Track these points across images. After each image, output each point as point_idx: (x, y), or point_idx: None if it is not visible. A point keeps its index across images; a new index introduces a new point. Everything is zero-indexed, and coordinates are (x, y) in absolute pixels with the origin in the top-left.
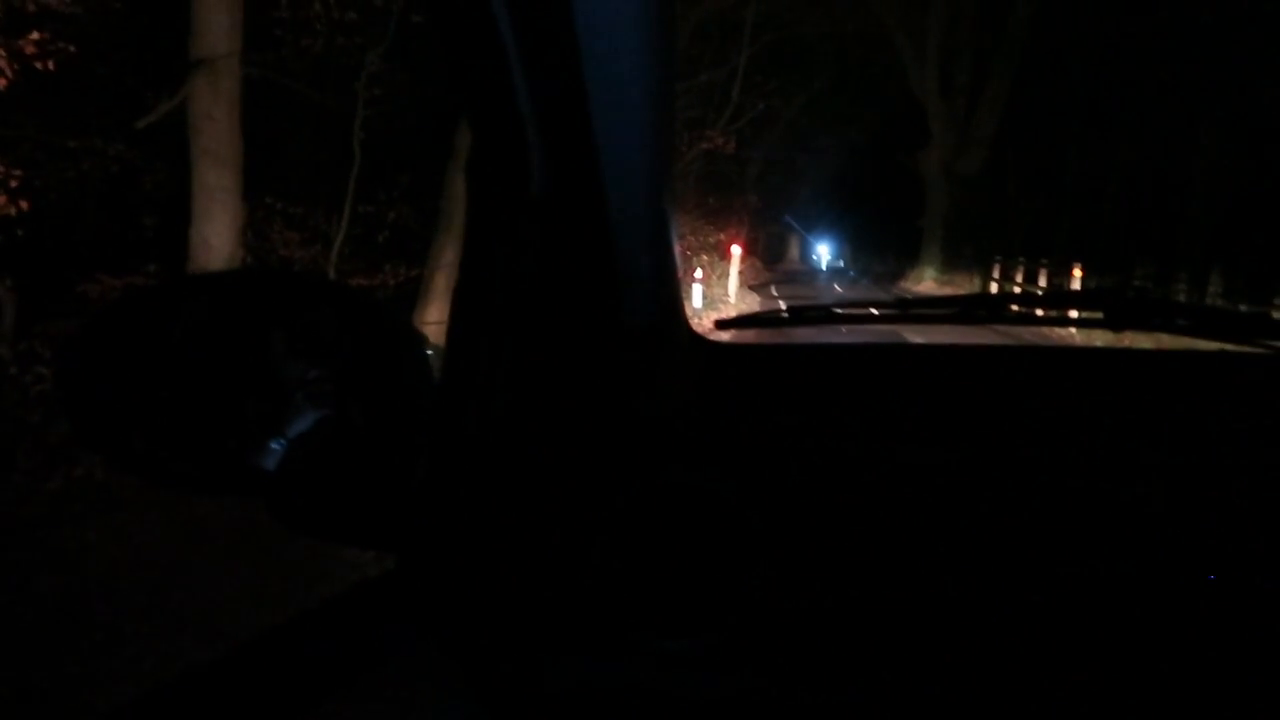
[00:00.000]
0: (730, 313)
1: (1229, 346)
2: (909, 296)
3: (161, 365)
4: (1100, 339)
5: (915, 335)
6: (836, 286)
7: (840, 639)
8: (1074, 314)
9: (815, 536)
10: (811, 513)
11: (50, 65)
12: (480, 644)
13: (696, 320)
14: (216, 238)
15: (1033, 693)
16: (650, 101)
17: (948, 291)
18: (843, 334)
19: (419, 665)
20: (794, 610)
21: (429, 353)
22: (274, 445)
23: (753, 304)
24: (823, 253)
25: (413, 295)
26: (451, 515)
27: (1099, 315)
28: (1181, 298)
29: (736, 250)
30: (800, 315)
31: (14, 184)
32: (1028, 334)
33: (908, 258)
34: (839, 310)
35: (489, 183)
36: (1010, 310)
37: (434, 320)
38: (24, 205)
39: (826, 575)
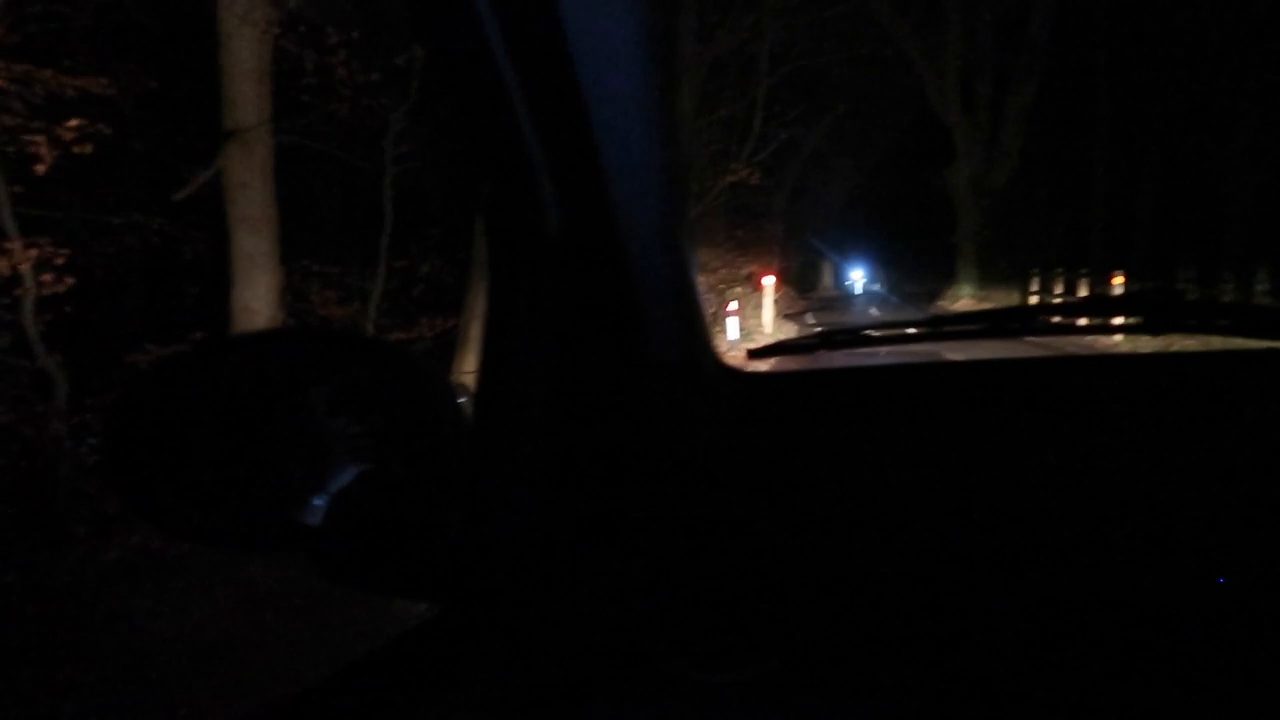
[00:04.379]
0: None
1: (1274, 344)
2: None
3: (202, 426)
4: (1142, 345)
5: (952, 353)
6: (873, 310)
7: (882, 668)
8: (1114, 321)
9: (855, 563)
10: (851, 538)
11: (89, 149)
12: (523, 690)
13: (733, 353)
14: (257, 301)
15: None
16: (657, 138)
17: (985, 307)
18: (880, 356)
19: (462, 713)
20: (835, 640)
21: (462, 401)
22: (316, 501)
23: (789, 333)
24: (856, 277)
25: (450, 345)
26: (490, 561)
27: (1138, 320)
28: (1228, 298)
29: (769, 280)
30: (831, 339)
31: (60, 261)
32: (1067, 344)
33: (943, 276)
34: (870, 332)
35: (505, 229)
36: (1044, 320)
37: (471, 369)
38: (70, 282)
39: (868, 602)
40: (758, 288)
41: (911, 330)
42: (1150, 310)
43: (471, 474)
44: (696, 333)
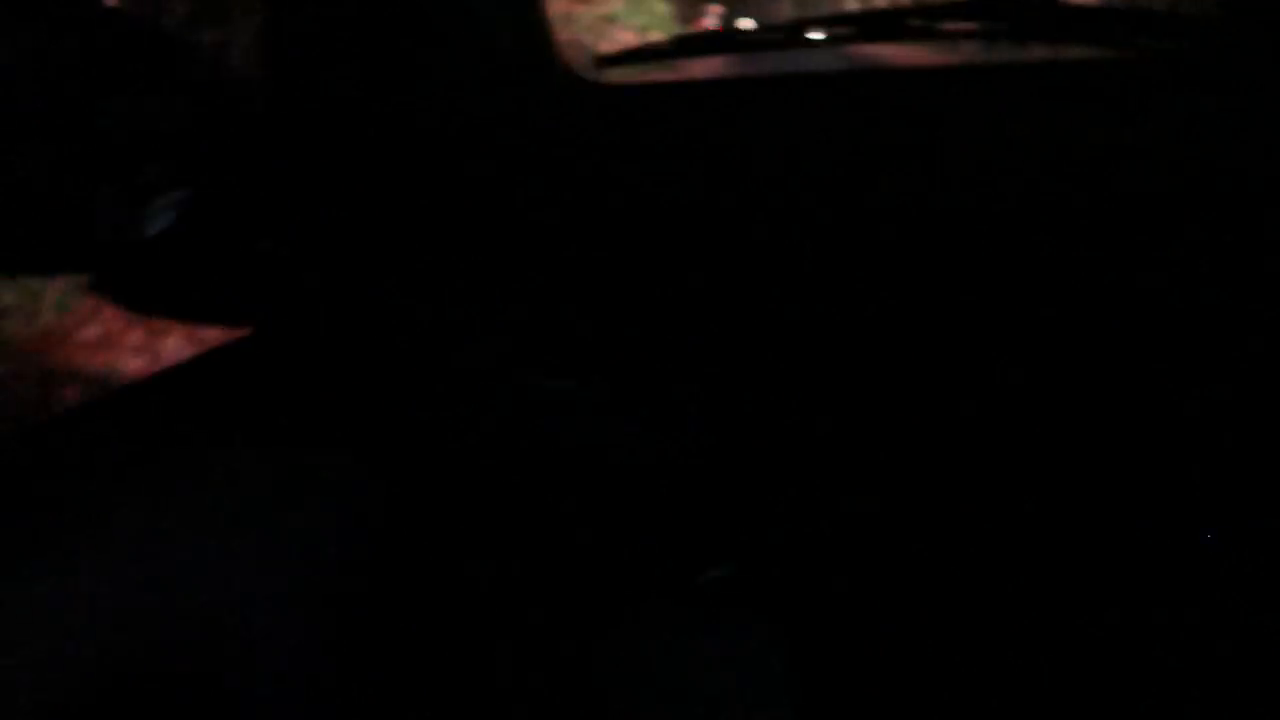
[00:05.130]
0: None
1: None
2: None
3: None
4: (1011, 53)
5: (818, 60)
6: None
7: (714, 373)
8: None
9: (693, 281)
10: (702, 252)
11: None
12: (354, 404)
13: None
14: None
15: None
16: None
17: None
18: (740, 65)
19: (288, 430)
20: (675, 359)
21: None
22: (129, 241)
23: None
24: None
25: None
26: (304, 273)
27: (1002, 26)
28: None
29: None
30: (691, 45)
31: None
32: (934, 50)
33: None
34: (731, 39)
35: None
36: (909, 25)
37: None
38: None
39: (705, 320)
40: None
41: (775, 37)
42: (1018, 17)
43: (279, 188)
44: (535, 27)
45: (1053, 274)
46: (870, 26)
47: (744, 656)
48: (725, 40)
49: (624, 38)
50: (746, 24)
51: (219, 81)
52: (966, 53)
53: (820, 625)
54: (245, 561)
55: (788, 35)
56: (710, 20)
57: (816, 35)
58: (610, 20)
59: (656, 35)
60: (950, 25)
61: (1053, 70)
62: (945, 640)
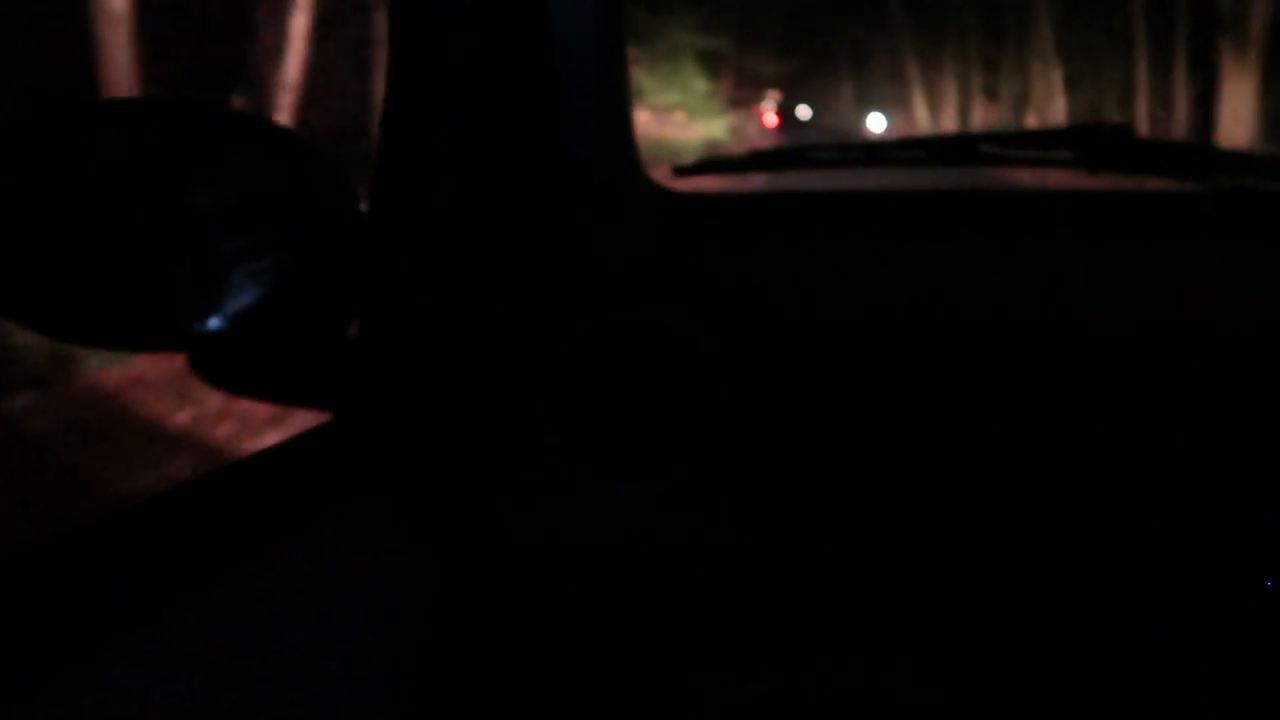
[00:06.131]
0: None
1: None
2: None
3: (61, 209)
4: (1081, 181)
5: (887, 180)
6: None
7: (805, 483)
8: (1054, 155)
9: (778, 378)
10: (774, 355)
11: None
12: (429, 500)
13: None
14: None
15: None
16: None
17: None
18: (813, 180)
19: (360, 524)
20: (755, 454)
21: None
22: (212, 322)
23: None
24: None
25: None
26: (388, 366)
27: (1075, 155)
28: None
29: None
30: (764, 159)
31: None
32: (1004, 176)
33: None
34: (804, 154)
35: None
36: (983, 151)
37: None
38: None
39: (789, 418)
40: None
41: (848, 155)
42: (1091, 146)
43: (369, 276)
44: (623, 139)
45: (1123, 390)
46: (942, 151)
47: None
48: (797, 157)
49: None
50: (804, 111)
51: (309, 165)
52: (1033, 180)
53: None
54: (313, 637)
55: (860, 155)
56: (769, 104)
57: (886, 155)
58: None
59: (680, 114)
60: (1020, 152)
61: (1125, 200)
62: None
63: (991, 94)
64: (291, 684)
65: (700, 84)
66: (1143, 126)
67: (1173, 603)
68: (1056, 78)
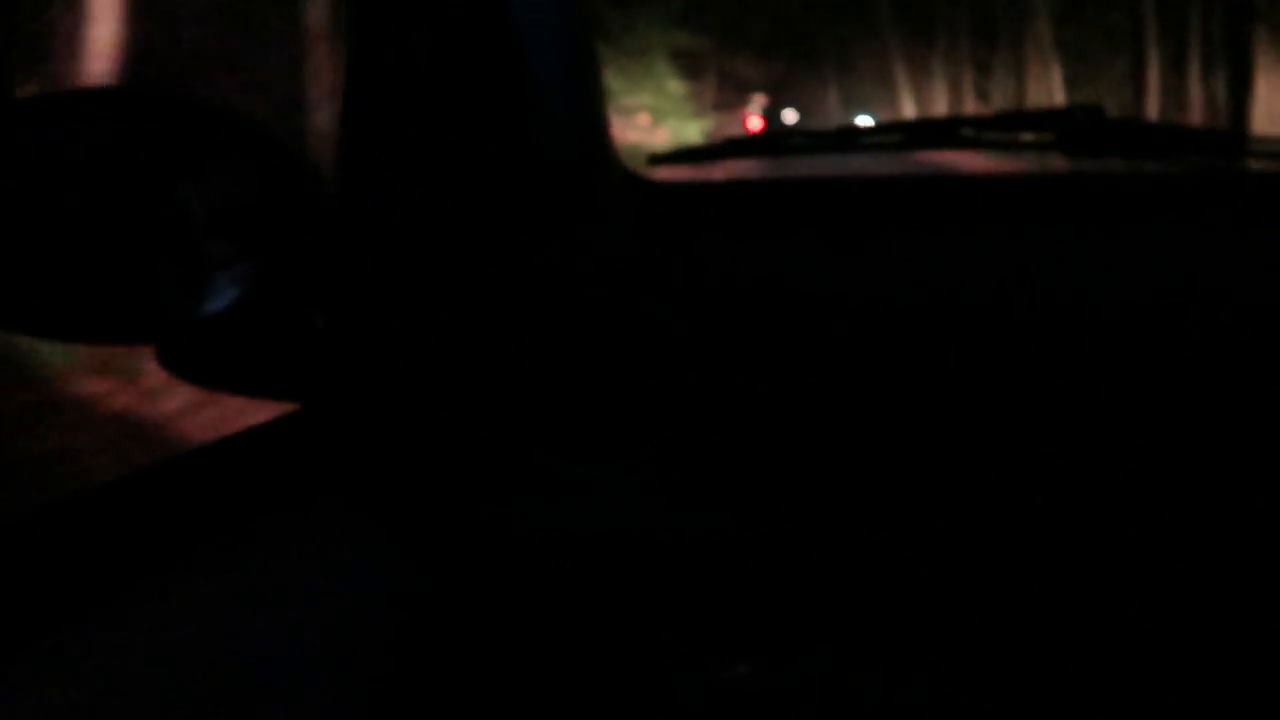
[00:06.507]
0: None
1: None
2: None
3: (42, 195)
4: (1055, 164)
5: (864, 166)
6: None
7: (780, 470)
8: (1030, 138)
9: (755, 363)
10: (752, 341)
11: None
12: (396, 490)
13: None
14: None
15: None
16: None
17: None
18: (791, 167)
19: (328, 515)
20: (729, 440)
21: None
22: (181, 311)
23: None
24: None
25: None
26: (356, 357)
27: (1053, 139)
28: None
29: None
30: (741, 146)
31: None
32: (978, 160)
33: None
34: (781, 141)
35: None
36: (961, 135)
37: None
38: None
39: (767, 405)
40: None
41: (822, 140)
42: (1067, 129)
43: (337, 267)
44: (597, 128)
45: (1099, 376)
46: (920, 135)
47: None
48: (773, 143)
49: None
50: (790, 115)
51: (288, 162)
52: (1014, 163)
53: None
54: (280, 630)
55: (835, 140)
56: (755, 108)
57: (863, 141)
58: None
59: (644, 117)
60: (998, 136)
61: (1100, 182)
62: None
63: (984, 96)
64: (259, 675)
65: (674, 85)
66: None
67: (1161, 598)
68: (1056, 78)
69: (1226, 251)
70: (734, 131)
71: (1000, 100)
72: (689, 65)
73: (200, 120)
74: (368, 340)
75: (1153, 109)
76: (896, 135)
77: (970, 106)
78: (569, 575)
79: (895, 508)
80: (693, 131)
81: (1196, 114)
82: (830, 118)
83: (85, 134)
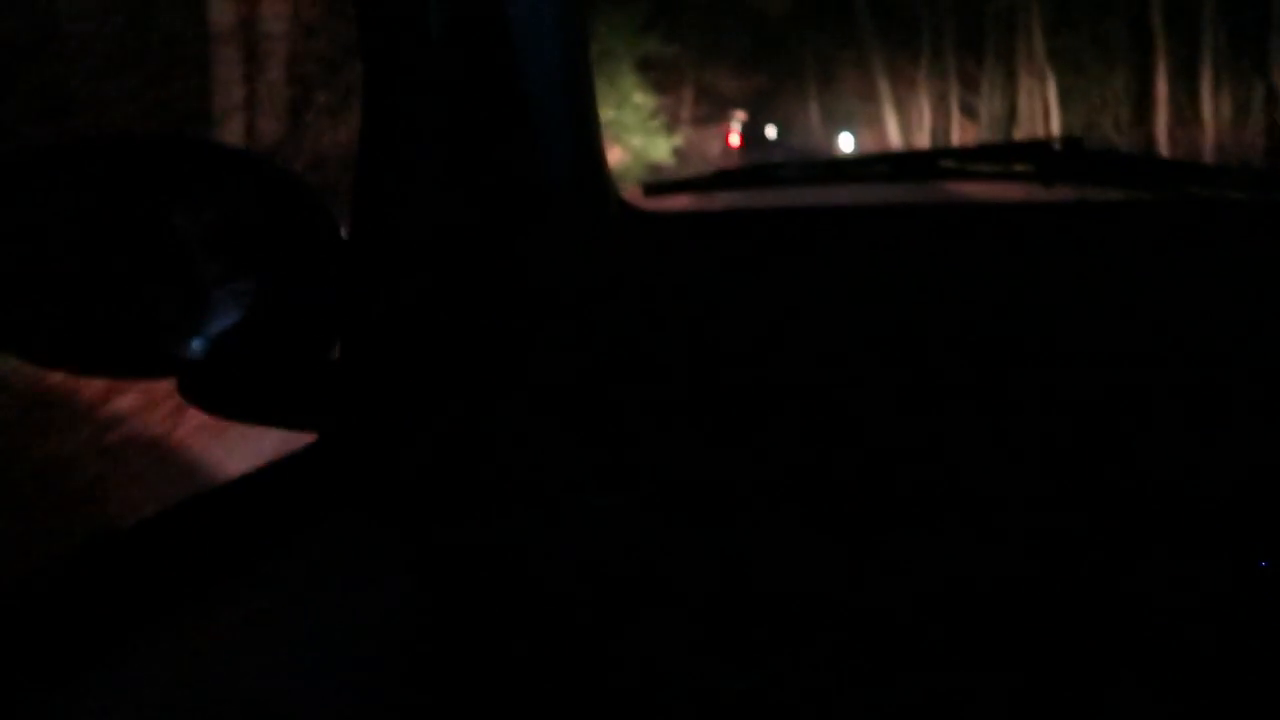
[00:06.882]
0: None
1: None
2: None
3: (48, 242)
4: (1035, 193)
5: (852, 196)
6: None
7: (771, 495)
8: (1012, 168)
9: (741, 398)
10: (737, 375)
11: None
12: (413, 518)
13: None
14: None
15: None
16: None
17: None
18: (779, 197)
19: (347, 544)
20: (721, 467)
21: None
22: (194, 342)
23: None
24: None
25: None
26: (369, 386)
27: (1033, 169)
28: None
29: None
30: (731, 178)
31: None
32: (960, 189)
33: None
34: (770, 172)
35: (382, 26)
36: (943, 166)
37: None
38: None
39: (760, 433)
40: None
41: (811, 172)
42: (1046, 159)
43: (350, 301)
44: (594, 160)
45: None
46: (904, 166)
47: None
48: (763, 174)
49: None
50: (771, 131)
51: (279, 183)
52: (996, 192)
53: None
54: (296, 662)
55: (824, 171)
56: (735, 125)
57: (849, 172)
58: None
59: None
60: (979, 167)
61: (1078, 210)
62: None
63: (971, 112)
64: (279, 704)
65: (640, 97)
66: (1163, 146)
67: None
68: (1050, 92)
69: (1191, 274)
70: (711, 148)
71: (987, 115)
72: (662, 78)
73: (190, 153)
74: (380, 368)
75: (1171, 128)
76: (881, 166)
77: (956, 121)
78: (576, 599)
79: (885, 528)
80: (661, 149)
81: (1191, 127)
82: (811, 132)
83: (80, 181)
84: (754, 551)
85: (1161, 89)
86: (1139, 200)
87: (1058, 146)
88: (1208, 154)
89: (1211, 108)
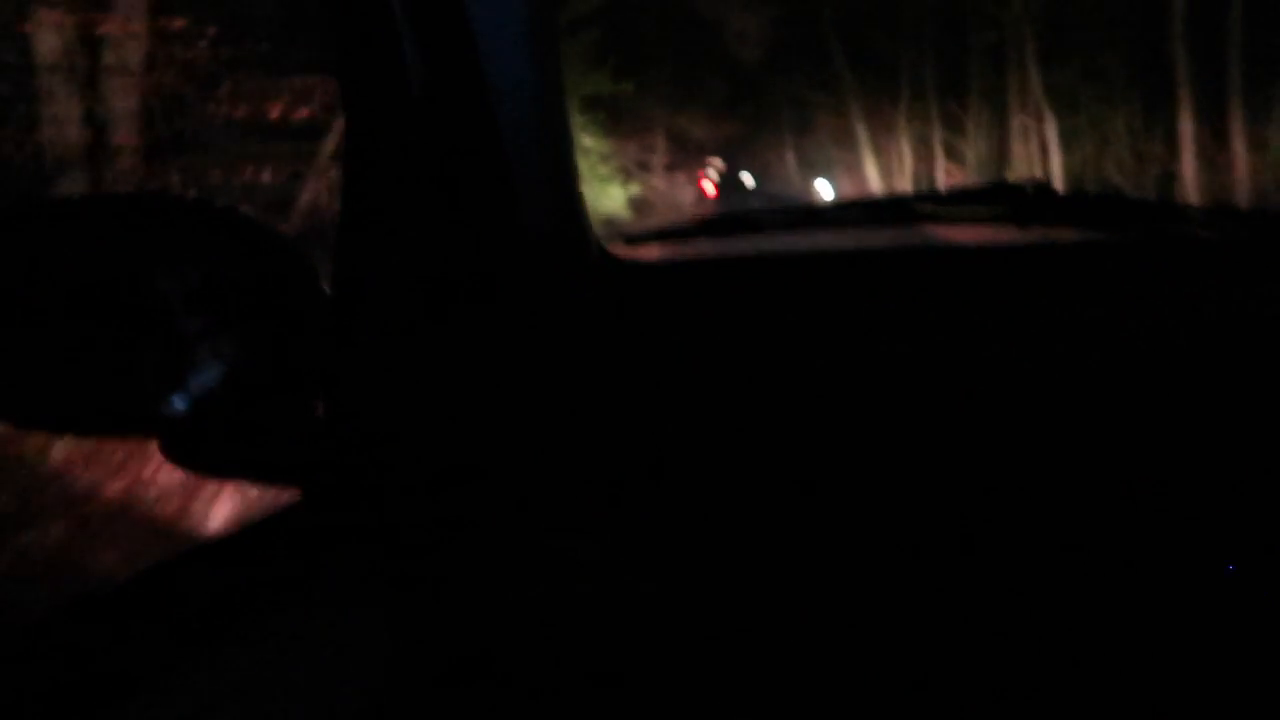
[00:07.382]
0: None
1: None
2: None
3: (25, 302)
4: (1008, 235)
5: (831, 241)
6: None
7: (751, 539)
8: (983, 211)
9: (728, 434)
10: (719, 425)
11: None
12: (400, 573)
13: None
14: None
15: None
16: None
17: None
18: (759, 244)
19: (334, 600)
20: (703, 512)
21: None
22: (176, 400)
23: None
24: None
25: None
26: (353, 442)
27: (1005, 211)
28: None
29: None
30: (711, 226)
31: None
32: (935, 233)
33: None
34: (749, 219)
35: (363, 85)
36: (918, 210)
37: None
38: None
39: (741, 480)
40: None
41: (791, 218)
42: (1019, 202)
43: (333, 357)
44: (574, 211)
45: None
46: (879, 212)
47: None
48: (742, 222)
49: None
50: (748, 179)
51: (260, 242)
52: (971, 235)
53: None
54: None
55: (802, 218)
56: (711, 173)
57: (827, 218)
58: None
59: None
60: (953, 210)
61: (1051, 251)
62: None
63: (956, 155)
64: None
65: (590, 141)
66: (1189, 192)
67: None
68: (1050, 131)
69: (1161, 310)
70: (684, 195)
71: (973, 158)
72: (634, 125)
73: (170, 211)
74: (365, 426)
75: (1200, 172)
76: (857, 212)
77: (941, 165)
78: (567, 646)
79: (872, 571)
80: (615, 200)
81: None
82: (789, 179)
83: (61, 238)
84: (723, 601)
85: (1186, 127)
86: (1110, 240)
87: (1030, 190)
88: (1243, 198)
89: (1243, 143)
